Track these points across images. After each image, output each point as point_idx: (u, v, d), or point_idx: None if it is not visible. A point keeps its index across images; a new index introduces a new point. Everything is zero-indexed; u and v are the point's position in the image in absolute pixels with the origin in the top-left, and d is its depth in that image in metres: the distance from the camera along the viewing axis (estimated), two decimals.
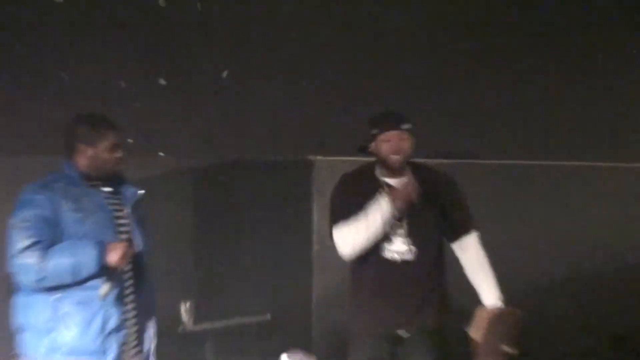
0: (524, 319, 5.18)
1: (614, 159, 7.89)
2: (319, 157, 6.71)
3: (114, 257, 4.65)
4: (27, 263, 4.55)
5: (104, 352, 4.75)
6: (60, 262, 4.59)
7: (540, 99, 7.99)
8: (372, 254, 5.24)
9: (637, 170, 7.97)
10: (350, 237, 5.25)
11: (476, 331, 5.11)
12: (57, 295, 4.68)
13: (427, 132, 6.62)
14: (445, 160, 6.70)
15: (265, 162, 6.97)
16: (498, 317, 5.14)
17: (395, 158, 5.24)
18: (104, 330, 4.77)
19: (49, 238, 4.60)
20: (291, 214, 6.77)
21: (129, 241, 4.76)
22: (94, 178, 4.80)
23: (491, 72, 7.76)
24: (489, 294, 5.27)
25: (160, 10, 6.88)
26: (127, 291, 4.84)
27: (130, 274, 4.85)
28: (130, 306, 4.86)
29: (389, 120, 5.31)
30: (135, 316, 4.87)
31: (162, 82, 6.83)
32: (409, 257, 5.23)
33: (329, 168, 6.57)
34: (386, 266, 5.25)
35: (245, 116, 7.14)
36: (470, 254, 5.37)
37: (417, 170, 5.38)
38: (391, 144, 5.26)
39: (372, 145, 5.33)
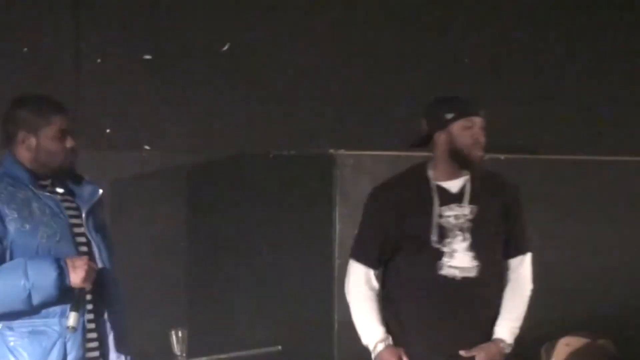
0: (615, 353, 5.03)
1: None
2: (341, 152, 6.17)
3: (77, 276, 4.18)
4: (6, 283, 4.20)
5: None
6: (9, 285, 4.17)
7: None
8: (425, 270, 4.76)
9: None
10: (352, 308, 4.98)
11: None
12: (0, 324, 4.23)
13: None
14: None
15: (276, 158, 6.52)
16: (583, 351, 4.98)
17: (478, 151, 4.78)
18: None
19: None
20: (308, 220, 6.27)
21: (90, 254, 4.33)
22: (43, 176, 4.27)
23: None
24: (505, 327, 4.88)
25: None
26: (88, 317, 4.40)
27: (90, 296, 4.38)
28: (91, 336, 4.41)
29: (470, 104, 4.87)
30: (97, 348, 4.43)
31: (147, 57, 6.63)
32: (472, 273, 4.75)
33: (355, 165, 6.08)
34: (443, 285, 4.77)
35: (253, 105, 7.06)
36: (516, 277, 4.97)
37: (479, 174, 4.90)
38: (473, 132, 4.76)
39: (441, 135, 4.78)
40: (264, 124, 6.99)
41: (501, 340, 4.83)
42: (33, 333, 4.27)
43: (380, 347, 4.86)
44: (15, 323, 4.24)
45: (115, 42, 6.67)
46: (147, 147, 6.64)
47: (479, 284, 4.86)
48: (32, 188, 4.32)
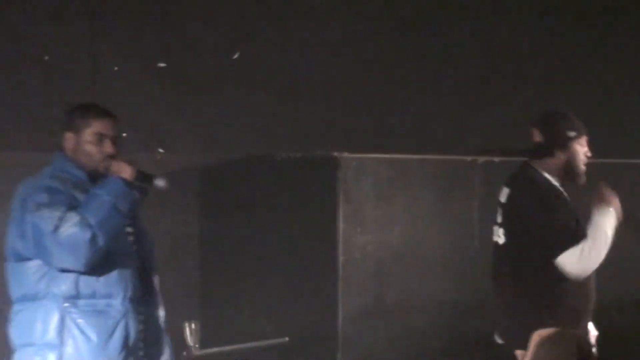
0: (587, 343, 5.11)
1: None
2: (345, 154, 6.43)
3: (126, 170, 4.55)
4: (71, 232, 4.41)
5: None
6: (99, 207, 4.47)
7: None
8: None
9: None
10: (585, 261, 5.15)
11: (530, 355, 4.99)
12: (66, 304, 4.49)
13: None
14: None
15: (282, 160, 6.77)
16: (549, 340, 4.96)
17: (584, 167, 5.27)
18: (126, 346, 4.57)
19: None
20: (313, 219, 6.56)
21: (138, 244, 4.72)
22: (94, 172, 4.63)
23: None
24: None
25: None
26: (146, 301, 4.75)
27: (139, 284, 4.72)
28: (146, 317, 4.75)
29: (582, 125, 5.24)
30: (157, 332, 4.81)
31: (161, 64, 6.71)
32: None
33: (357, 167, 6.41)
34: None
35: (261, 110, 7.18)
36: None
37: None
38: (585, 150, 5.20)
39: (561, 150, 5.17)
40: (271, 128, 7.01)
41: None
42: (97, 312, 4.48)
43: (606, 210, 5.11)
44: (80, 302, 4.46)
45: (130, 51, 6.63)
46: (160, 150, 6.63)
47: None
48: (88, 187, 4.57)
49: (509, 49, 7.91)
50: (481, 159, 6.80)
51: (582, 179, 5.29)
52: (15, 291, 4.62)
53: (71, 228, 4.40)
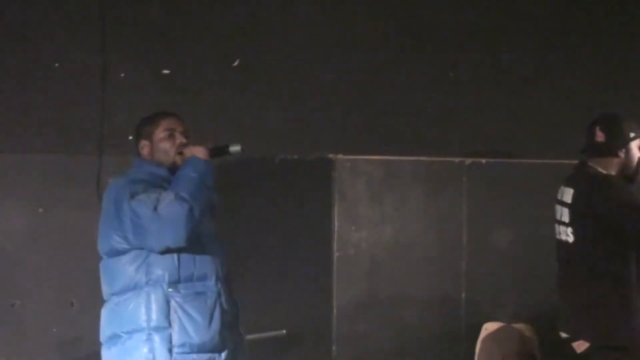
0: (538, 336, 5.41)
1: None
2: (340, 156, 6.55)
3: (200, 151, 4.85)
4: (170, 208, 4.63)
5: (223, 348, 4.81)
6: (190, 183, 4.73)
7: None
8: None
9: None
10: None
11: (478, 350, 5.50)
12: (170, 289, 4.73)
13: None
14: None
15: (280, 161, 6.78)
16: (495, 334, 5.45)
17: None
18: (224, 324, 4.81)
19: None
20: (310, 218, 6.65)
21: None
22: (173, 165, 4.94)
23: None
24: None
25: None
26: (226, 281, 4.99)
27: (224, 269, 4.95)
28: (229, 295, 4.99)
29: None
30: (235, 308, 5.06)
31: (166, 71, 6.71)
32: None
33: (351, 168, 6.49)
34: None
35: (257, 110, 7.02)
36: None
37: None
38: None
39: (621, 149, 5.39)
40: (272, 132, 6.98)
41: None
42: (196, 294, 4.72)
43: None
44: (181, 285, 4.70)
45: (137, 59, 6.68)
46: None
47: None
48: (169, 180, 4.83)
49: (495, 56, 7.68)
50: (468, 160, 6.78)
51: (638, 178, 5.47)
52: (112, 286, 4.80)
53: (169, 204, 4.61)
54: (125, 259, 4.80)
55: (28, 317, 6.26)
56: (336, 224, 6.46)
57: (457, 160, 6.82)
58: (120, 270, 4.81)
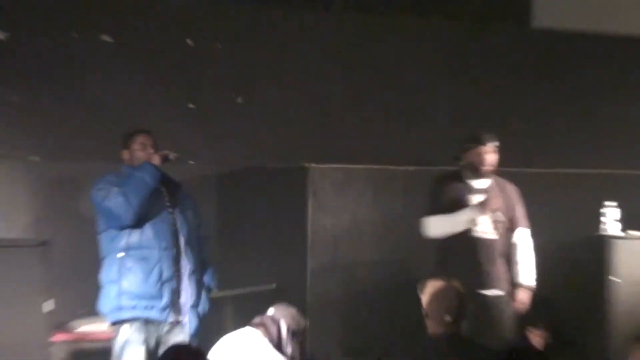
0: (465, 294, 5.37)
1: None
2: (313, 165, 7.13)
3: (155, 159, 5.43)
4: (114, 199, 5.23)
5: (160, 297, 5.32)
6: (133, 179, 5.34)
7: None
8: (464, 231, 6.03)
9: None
10: (439, 226, 6.07)
11: (424, 299, 5.38)
12: (122, 254, 5.32)
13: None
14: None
15: (269, 169, 7.45)
16: (442, 290, 5.37)
17: (488, 167, 6.08)
18: (160, 280, 5.35)
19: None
20: (292, 210, 7.20)
21: (174, 225, 5.44)
22: None
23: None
24: (524, 275, 6.12)
25: (189, 49, 7.44)
26: (180, 255, 5.49)
27: (183, 244, 5.47)
28: (181, 264, 5.46)
29: (480, 138, 6.11)
30: (186, 273, 5.48)
31: (191, 105, 7.32)
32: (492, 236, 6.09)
33: (321, 174, 7.09)
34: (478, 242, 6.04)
35: (253, 132, 7.54)
36: (519, 245, 6.26)
37: (495, 179, 6.24)
38: (484, 156, 6.11)
39: (468, 155, 6.12)
40: (262, 146, 7.53)
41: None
42: (142, 258, 5.34)
43: (470, 208, 6.02)
44: (131, 252, 5.34)
45: (167, 92, 7.20)
46: (191, 162, 7.05)
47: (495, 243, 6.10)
48: None
49: (463, 78, 8.07)
50: (401, 168, 7.23)
51: (485, 174, 6.12)
52: (101, 253, 5.52)
53: (114, 197, 5.29)
54: (103, 235, 5.47)
55: None
56: (310, 212, 7.06)
57: (392, 167, 7.24)
58: (102, 243, 5.50)
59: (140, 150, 5.50)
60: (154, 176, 5.34)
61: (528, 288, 6.06)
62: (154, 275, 5.31)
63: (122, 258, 5.31)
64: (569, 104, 8.40)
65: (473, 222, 6.02)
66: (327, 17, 7.83)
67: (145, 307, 5.29)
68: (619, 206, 7.04)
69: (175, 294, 5.42)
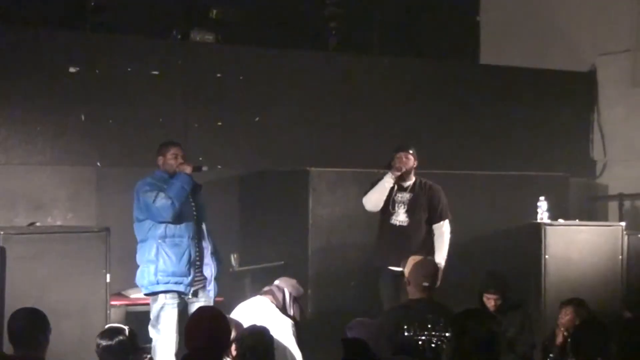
0: (438, 267, 5.54)
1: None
2: (312, 168, 6.99)
3: (187, 169, 5.33)
4: (162, 201, 5.16)
5: (187, 275, 5.38)
6: (174, 186, 5.27)
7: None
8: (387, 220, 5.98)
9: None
10: (369, 198, 6.08)
11: (407, 270, 5.38)
12: (160, 240, 5.33)
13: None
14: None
15: (279, 172, 7.39)
16: (420, 262, 5.39)
17: (402, 169, 5.97)
18: (189, 262, 5.38)
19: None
20: (296, 203, 7.09)
21: (197, 218, 5.40)
22: (173, 175, 5.43)
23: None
24: (437, 256, 6.05)
25: (217, 79, 7.46)
26: (202, 241, 5.52)
27: (205, 232, 5.51)
28: (203, 247, 5.48)
29: (400, 146, 6.08)
30: (208, 254, 5.50)
31: (219, 123, 7.35)
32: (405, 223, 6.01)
33: (319, 175, 6.98)
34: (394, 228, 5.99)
35: (267, 143, 7.58)
36: (439, 234, 6.16)
37: (421, 181, 6.16)
38: (400, 160, 6.03)
39: (394, 160, 6.03)
40: (273, 154, 7.54)
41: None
42: (175, 245, 5.35)
43: (388, 175, 5.91)
44: (167, 240, 5.34)
45: (201, 114, 7.28)
46: (219, 167, 7.04)
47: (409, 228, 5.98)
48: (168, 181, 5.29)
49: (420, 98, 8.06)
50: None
51: (400, 174, 5.90)
52: (137, 237, 5.49)
53: (161, 199, 5.24)
54: (143, 223, 5.39)
55: None
56: (310, 205, 6.92)
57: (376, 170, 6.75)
58: (140, 229, 5.42)
59: (173, 160, 5.39)
60: (190, 185, 5.31)
61: (439, 266, 5.86)
62: (184, 259, 5.30)
63: (160, 244, 5.27)
64: (509, 122, 8.51)
65: (392, 182, 5.99)
66: (322, 55, 8.06)
67: (176, 283, 5.28)
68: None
69: (199, 270, 5.41)
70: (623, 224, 7.13)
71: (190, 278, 5.31)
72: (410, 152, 6.05)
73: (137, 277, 5.43)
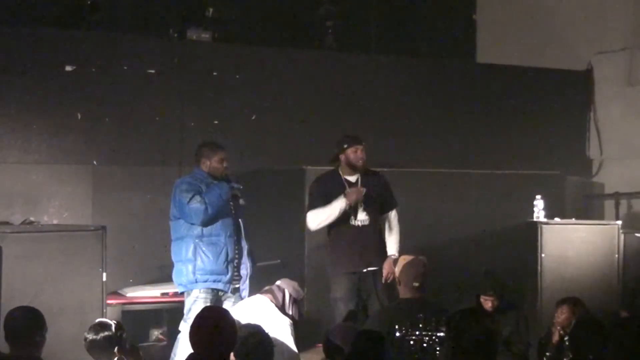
0: (429, 266, 5.34)
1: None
2: (309, 167, 7.01)
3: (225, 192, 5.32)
4: (195, 205, 5.18)
5: (225, 273, 5.43)
6: (213, 192, 5.34)
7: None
8: (344, 222, 5.75)
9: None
10: (317, 218, 5.82)
11: (397, 270, 5.33)
12: (197, 239, 5.36)
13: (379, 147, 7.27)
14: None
15: (276, 170, 7.43)
16: (410, 262, 5.28)
17: (359, 162, 5.80)
18: (226, 260, 5.42)
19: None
20: (293, 201, 7.11)
21: (235, 216, 5.45)
22: (216, 178, 5.54)
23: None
24: (391, 248, 5.93)
25: (214, 78, 7.48)
26: (241, 239, 5.57)
27: (243, 231, 5.59)
28: (242, 245, 5.54)
29: (355, 139, 5.88)
30: (245, 253, 5.56)
31: (216, 122, 7.33)
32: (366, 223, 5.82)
33: (315, 174, 6.75)
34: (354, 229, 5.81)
35: (265, 142, 7.58)
36: (390, 223, 6.01)
37: (367, 172, 5.96)
38: (357, 153, 5.83)
39: (344, 155, 5.81)
40: (271, 154, 7.52)
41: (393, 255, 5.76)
42: (212, 244, 5.39)
43: (342, 198, 5.63)
44: (204, 238, 5.39)
45: (198, 115, 7.29)
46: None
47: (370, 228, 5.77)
48: (211, 181, 5.34)
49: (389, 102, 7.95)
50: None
51: (357, 168, 5.71)
52: (173, 235, 5.52)
53: (196, 203, 5.28)
54: (180, 221, 5.43)
55: None
56: (306, 204, 6.51)
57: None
58: (176, 227, 5.47)
59: (219, 164, 5.46)
60: (227, 195, 5.39)
61: (392, 257, 5.73)
62: (222, 257, 5.37)
63: (197, 242, 5.32)
64: (506, 121, 8.48)
65: (344, 210, 5.71)
66: (319, 54, 8.08)
67: (215, 281, 5.37)
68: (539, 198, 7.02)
69: (236, 269, 5.48)
70: (619, 222, 7.18)
71: (228, 276, 5.38)
72: (363, 144, 5.86)
73: (174, 275, 5.46)
